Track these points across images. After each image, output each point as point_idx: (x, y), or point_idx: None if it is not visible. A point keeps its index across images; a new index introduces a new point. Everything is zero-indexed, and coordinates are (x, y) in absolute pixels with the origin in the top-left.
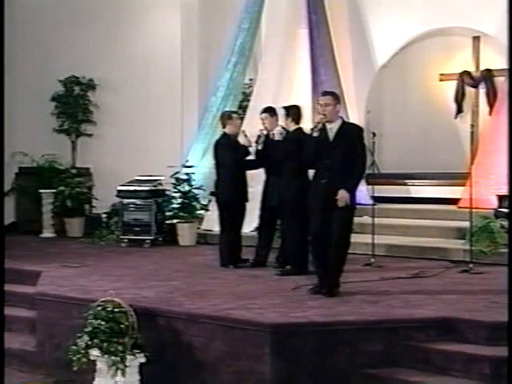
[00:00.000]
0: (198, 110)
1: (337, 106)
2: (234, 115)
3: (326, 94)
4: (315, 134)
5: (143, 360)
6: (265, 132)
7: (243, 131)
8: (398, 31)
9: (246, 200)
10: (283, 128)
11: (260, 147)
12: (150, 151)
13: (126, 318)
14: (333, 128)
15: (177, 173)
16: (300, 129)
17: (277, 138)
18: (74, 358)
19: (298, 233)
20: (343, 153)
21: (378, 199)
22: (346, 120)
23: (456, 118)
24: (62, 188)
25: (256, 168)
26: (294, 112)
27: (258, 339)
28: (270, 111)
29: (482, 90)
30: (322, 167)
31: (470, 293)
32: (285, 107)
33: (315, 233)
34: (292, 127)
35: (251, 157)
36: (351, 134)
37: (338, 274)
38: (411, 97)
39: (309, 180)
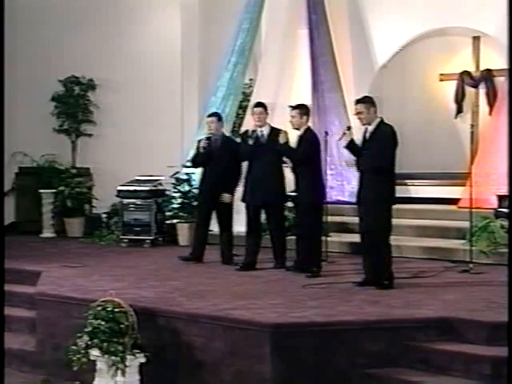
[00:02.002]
0: (197, 110)
1: (370, 109)
2: (206, 119)
3: (357, 102)
4: (250, 142)
5: (143, 360)
6: (258, 129)
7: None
8: (398, 31)
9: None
10: (272, 127)
11: (251, 142)
12: (150, 151)
13: (126, 318)
14: (370, 129)
15: (177, 173)
16: (309, 128)
17: (282, 141)
18: (74, 358)
19: (318, 233)
20: (373, 153)
21: None
22: (384, 121)
23: (456, 118)
24: (61, 188)
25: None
26: (306, 111)
27: (257, 339)
28: (264, 107)
29: (482, 90)
30: (360, 168)
31: (470, 293)
32: (296, 106)
33: (365, 230)
34: (304, 126)
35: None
36: (383, 134)
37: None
38: (411, 97)
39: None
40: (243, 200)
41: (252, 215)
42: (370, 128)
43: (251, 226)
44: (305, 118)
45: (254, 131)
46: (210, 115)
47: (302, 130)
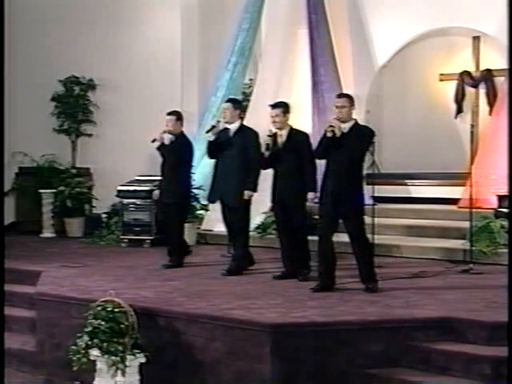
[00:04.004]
0: (197, 110)
1: (352, 107)
2: (166, 117)
3: (341, 96)
4: (212, 138)
5: (143, 360)
6: (223, 123)
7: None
8: (398, 31)
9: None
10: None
11: (212, 138)
12: (150, 151)
13: (126, 318)
14: (345, 128)
15: None
16: (292, 127)
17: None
18: (74, 358)
19: (306, 234)
20: (348, 153)
21: (378, 199)
22: (358, 122)
23: (456, 117)
24: (62, 188)
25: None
26: (288, 109)
27: (258, 339)
28: (234, 103)
29: (482, 90)
30: (331, 166)
31: (470, 293)
32: (278, 105)
33: (325, 233)
34: (287, 125)
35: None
36: (362, 132)
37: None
38: (411, 97)
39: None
40: (208, 199)
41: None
42: (346, 126)
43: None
44: (287, 116)
45: (213, 126)
46: (169, 113)
47: (288, 130)
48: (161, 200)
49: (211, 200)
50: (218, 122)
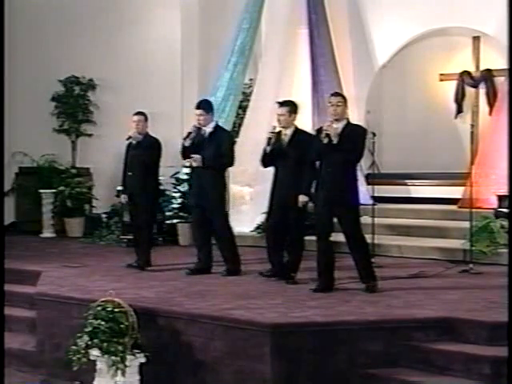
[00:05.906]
0: None
1: (346, 106)
2: (133, 117)
3: (336, 94)
4: (187, 144)
5: (143, 360)
6: (196, 128)
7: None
8: (398, 31)
9: None
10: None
11: (187, 144)
12: None
13: (126, 318)
14: (338, 128)
15: (177, 173)
16: (298, 127)
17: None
18: (74, 358)
19: (301, 235)
20: (343, 154)
21: (377, 199)
22: (350, 121)
23: (456, 118)
24: (62, 188)
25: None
26: (295, 109)
27: (258, 339)
28: (205, 108)
29: (482, 90)
30: (325, 166)
31: (470, 293)
32: (285, 103)
33: (322, 233)
34: (292, 125)
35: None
36: (357, 132)
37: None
38: (411, 97)
39: None
40: (188, 203)
41: (198, 216)
42: (339, 126)
43: (196, 228)
44: (293, 116)
45: (189, 133)
46: (137, 113)
47: (292, 130)
48: (132, 203)
49: (191, 204)
50: (195, 127)
